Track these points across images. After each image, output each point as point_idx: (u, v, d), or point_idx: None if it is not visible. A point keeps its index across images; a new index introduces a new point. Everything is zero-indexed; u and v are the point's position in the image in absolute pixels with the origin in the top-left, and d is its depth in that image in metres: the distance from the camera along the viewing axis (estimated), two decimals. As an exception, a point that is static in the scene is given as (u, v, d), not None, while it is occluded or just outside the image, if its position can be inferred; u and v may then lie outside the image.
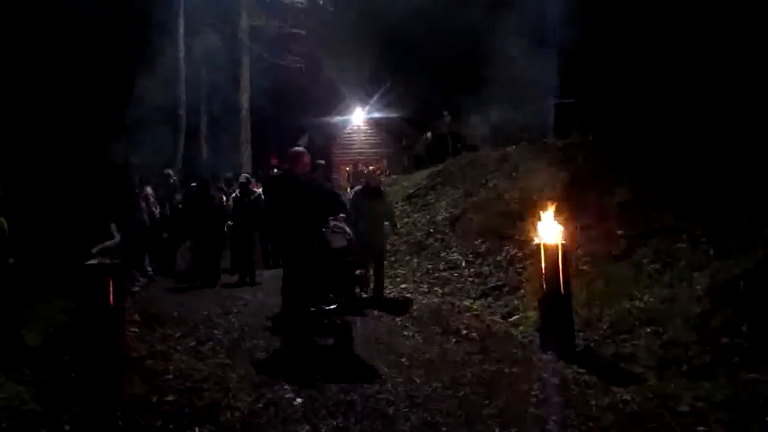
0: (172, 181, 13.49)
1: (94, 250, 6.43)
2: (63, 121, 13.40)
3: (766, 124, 8.61)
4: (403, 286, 10.10)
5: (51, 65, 13.98)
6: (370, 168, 10.58)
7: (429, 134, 22.47)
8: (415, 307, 8.60)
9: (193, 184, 12.60)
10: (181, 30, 19.97)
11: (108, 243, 7.79)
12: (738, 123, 9.20)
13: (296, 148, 7.57)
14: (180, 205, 12.29)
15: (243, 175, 12.76)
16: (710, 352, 5.55)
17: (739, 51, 11.02)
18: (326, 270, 6.89)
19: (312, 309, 6.86)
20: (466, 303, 8.80)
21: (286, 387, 5.63)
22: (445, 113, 21.74)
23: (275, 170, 11.53)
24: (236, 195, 11.63)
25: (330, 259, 6.89)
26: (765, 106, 9.06)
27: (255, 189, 11.74)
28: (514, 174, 12.77)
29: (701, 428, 4.44)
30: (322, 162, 12.58)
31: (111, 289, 5.20)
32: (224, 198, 11.87)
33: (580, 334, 6.79)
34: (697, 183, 8.47)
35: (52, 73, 13.86)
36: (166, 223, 12.12)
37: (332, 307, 6.87)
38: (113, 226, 8.86)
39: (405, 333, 7.32)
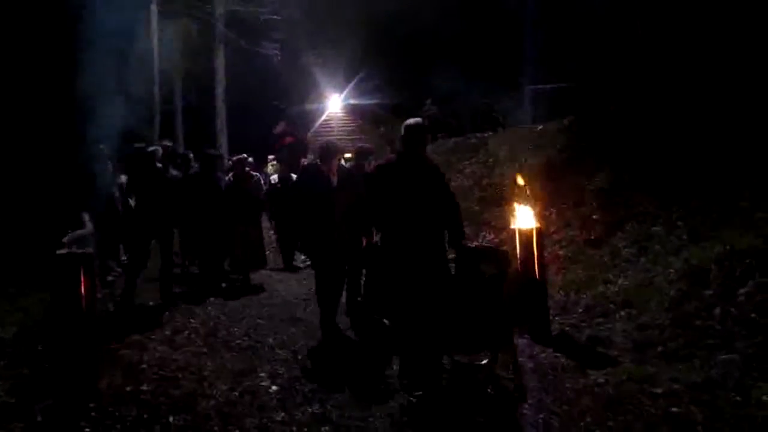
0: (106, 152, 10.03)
1: (65, 240, 6.35)
2: (32, 111, 13.16)
3: (742, 111, 8.67)
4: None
5: (21, 53, 13.72)
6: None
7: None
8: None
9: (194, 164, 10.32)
10: (155, 16, 19.71)
11: (80, 232, 7.70)
12: (714, 108, 9.24)
13: (413, 119, 5.57)
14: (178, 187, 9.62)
15: (243, 155, 10.67)
16: (685, 335, 5.60)
17: (716, 38, 11.07)
18: (474, 306, 4.74)
19: (448, 362, 4.96)
20: (444, 289, 8.79)
21: (262, 375, 5.62)
22: (428, 101, 21.68)
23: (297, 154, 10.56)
24: (229, 179, 10.15)
25: (480, 291, 4.78)
26: (741, 92, 9.11)
27: (253, 173, 10.62)
28: (491, 160, 12.78)
29: (676, 409, 4.48)
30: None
31: (83, 278, 5.14)
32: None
33: (556, 318, 6.81)
34: (673, 168, 8.52)
35: (22, 61, 13.61)
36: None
37: (483, 362, 5.02)
38: (85, 215, 8.72)
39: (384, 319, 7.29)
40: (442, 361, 5.09)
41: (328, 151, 6.96)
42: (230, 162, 12.09)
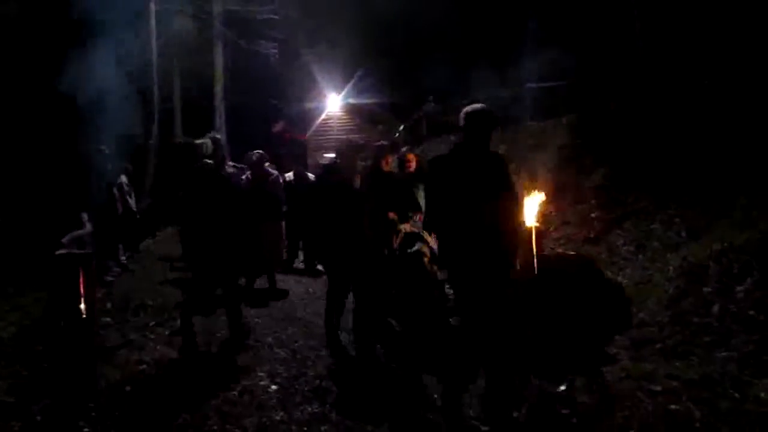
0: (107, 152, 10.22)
1: (64, 240, 6.35)
2: (31, 111, 13.18)
3: (740, 109, 8.67)
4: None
5: (21, 55, 13.73)
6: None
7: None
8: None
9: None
10: (153, 15, 19.68)
11: (79, 232, 7.69)
12: (712, 107, 9.25)
13: (474, 105, 4.71)
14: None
15: (256, 152, 9.51)
16: (683, 332, 5.60)
17: (714, 37, 11.08)
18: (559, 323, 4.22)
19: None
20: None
21: (261, 374, 5.63)
22: (430, 97, 21.70)
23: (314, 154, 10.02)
24: (247, 177, 9.24)
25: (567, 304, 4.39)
26: (739, 90, 9.11)
27: (272, 171, 9.59)
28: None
29: (674, 407, 4.47)
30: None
31: (82, 278, 5.15)
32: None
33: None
34: (671, 166, 8.53)
35: (21, 62, 13.62)
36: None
37: (561, 388, 4.50)
38: (84, 215, 8.71)
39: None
40: (514, 387, 4.43)
41: (350, 150, 6.32)
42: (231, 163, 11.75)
